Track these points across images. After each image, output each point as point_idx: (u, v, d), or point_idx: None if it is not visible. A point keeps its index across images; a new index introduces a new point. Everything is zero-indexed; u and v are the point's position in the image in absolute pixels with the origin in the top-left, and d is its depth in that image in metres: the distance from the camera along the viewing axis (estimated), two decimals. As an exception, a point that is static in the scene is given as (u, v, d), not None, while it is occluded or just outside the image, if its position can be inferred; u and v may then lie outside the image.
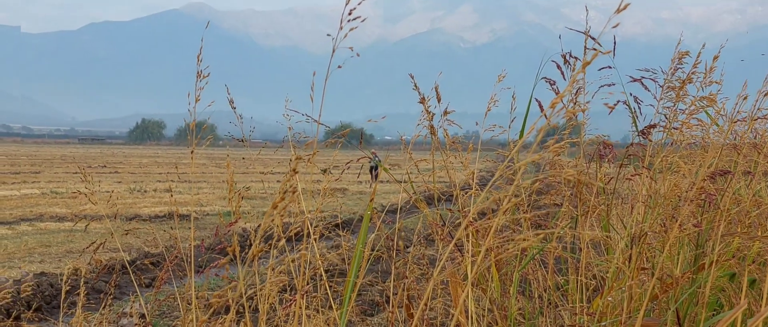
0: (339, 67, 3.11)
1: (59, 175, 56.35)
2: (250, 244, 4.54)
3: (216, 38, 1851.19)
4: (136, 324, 11.14)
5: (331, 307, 4.24)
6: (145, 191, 41.58)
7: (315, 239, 3.84)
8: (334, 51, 3.18)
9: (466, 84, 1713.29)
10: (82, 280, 4.31)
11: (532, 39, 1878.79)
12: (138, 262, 16.39)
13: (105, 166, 68.02)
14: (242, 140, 4.51)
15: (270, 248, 3.47)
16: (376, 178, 47.09)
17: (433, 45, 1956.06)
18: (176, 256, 4.37)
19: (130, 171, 64.55)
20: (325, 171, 4.34)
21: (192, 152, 4.12)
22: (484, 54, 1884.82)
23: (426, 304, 2.58)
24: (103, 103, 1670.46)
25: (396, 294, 4.48)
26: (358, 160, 4.48)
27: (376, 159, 37.76)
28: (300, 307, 3.13)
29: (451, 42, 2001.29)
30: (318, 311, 4.26)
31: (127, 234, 5.03)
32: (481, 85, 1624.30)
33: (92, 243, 4.34)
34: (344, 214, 26.74)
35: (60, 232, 24.40)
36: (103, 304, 4.97)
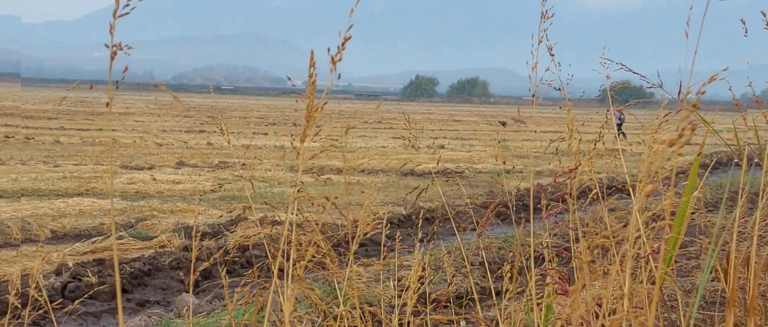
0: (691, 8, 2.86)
1: (338, 129, 58.57)
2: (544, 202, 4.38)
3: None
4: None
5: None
6: (419, 147, 42.34)
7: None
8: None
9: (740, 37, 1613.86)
10: (397, 222, 4.40)
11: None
12: (412, 217, 16.66)
13: (380, 122, 70.01)
14: (559, 89, 4.40)
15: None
16: (623, 136, 45.55)
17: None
18: (498, 204, 4.37)
19: (403, 127, 66.00)
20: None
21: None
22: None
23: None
24: (379, 59, 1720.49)
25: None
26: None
27: (621, 116, 36.69)
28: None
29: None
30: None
31: (450, 181, 5.07)
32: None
33: (414, 188, 4.46)
34: (620, 174, 26.02)
35: (340, 184, 25.30)
36: (421, 246, 5.07)
